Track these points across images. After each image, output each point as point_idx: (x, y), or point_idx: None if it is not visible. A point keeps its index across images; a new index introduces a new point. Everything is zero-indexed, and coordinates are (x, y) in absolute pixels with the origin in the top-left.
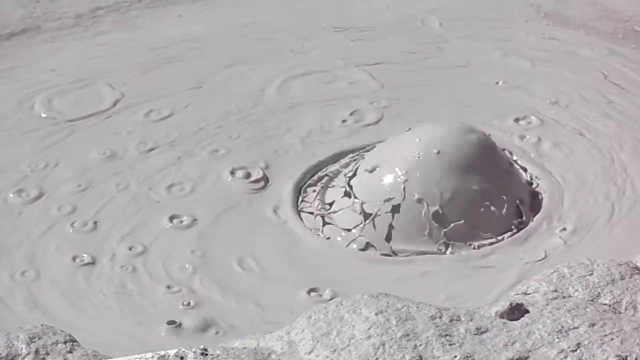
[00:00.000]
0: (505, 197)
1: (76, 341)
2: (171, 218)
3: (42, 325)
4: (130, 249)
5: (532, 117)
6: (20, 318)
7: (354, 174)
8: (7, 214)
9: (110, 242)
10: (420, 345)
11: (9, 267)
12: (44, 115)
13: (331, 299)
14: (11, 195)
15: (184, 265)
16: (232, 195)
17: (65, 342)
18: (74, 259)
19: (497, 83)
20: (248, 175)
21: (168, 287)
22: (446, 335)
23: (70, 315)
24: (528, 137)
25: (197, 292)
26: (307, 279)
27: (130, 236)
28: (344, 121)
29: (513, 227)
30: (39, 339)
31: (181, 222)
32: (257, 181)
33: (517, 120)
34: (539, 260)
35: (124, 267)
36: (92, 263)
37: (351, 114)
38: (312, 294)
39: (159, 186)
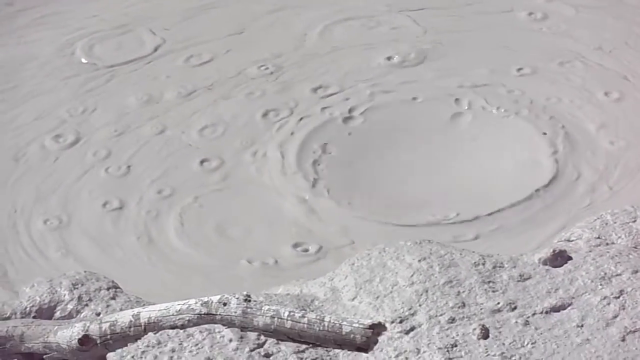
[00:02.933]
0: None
1: (119, 287)
2: (202, 161)
3: (85, 271)
4: (159, 192)
5: (576, 62)
6: (54, 264)
7: None
8: (43, 160)
9: (140, 186)
10: (464, 291)
11: (43, 213)
12: (84, 61)
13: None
14: (49, 140)
15: (204, 209)
16: (262, 136)
17: (108, 289)
18: (104, 204)
19: (540, 29)
20: (277, 116)
21: (189, 237)
22: (489, 282)
23: (102, 263)
24: (573, 80)
25: (220, 234)
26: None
27: (161, 180)
28: (387, 59)
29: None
30: (82, 285)
31: (210, 164)
32: (286, 122)
33: (561, 64)
34: (584, 207)
35: (150, 211)
36: (120, 208)
37: (391, 56)
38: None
39: (192, 129)
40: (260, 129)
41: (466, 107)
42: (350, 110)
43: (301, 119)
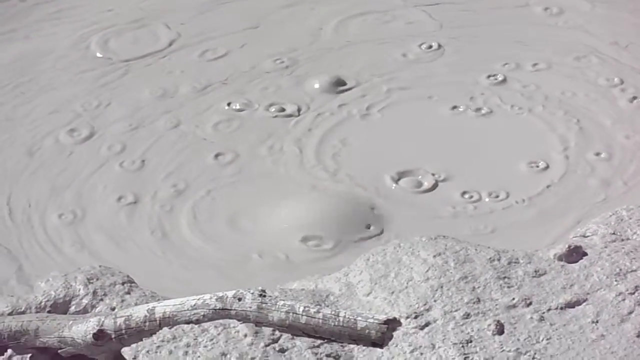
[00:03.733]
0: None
1: (134, 282)
2: (216, 155)
3: (100, 266)
4: (173, 186)
5: (592, 57)
6: (69, 259)
7: None
8: (58, 154)
9: (154, 180)
10: (479, 287)
11: (57, 207)
12: (99, 55)
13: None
14: (63, 134)
15: (221, 204)
16: (276, 131)
17: (123, 283)
18: (118, 199)
19: (556, 23)
20: (299, 110)
21: (202, 233)
22: (504, 277)
23: (117, 257)
24: (588, 74)
25: (234, 230)
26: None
27: (174, 175)
28: (403, 55)
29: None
30: (97, 279)
31: (224, 157)
32: (299, 116)
33: (577, 58)
34: (598, 202)
35: (163, 206)
36: (135, 202)
37: (407, 51)
38: None
39: (206, 124)
40: (276, 125)
41: (481, 105)
42: (367, 108)
43: (318, 115)
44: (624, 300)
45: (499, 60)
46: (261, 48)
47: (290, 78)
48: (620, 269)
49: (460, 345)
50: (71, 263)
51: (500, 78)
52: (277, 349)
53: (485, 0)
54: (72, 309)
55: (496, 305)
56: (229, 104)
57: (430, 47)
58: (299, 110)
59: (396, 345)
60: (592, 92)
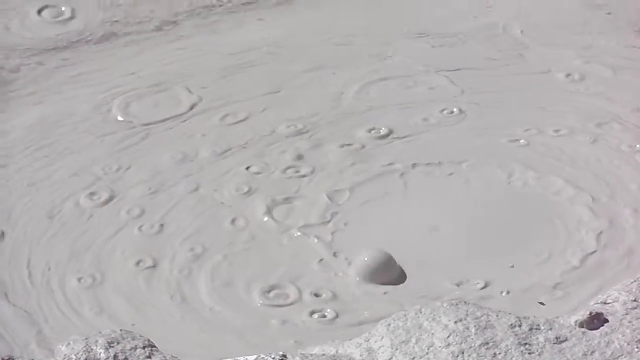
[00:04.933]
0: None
1: (155, 346)
2: (233, 220)
3: (120, 329)
4: (191, 250)
5: (614, 123)
6: (88, 322)
7: None
8: (78, 217)
9: (173, 244)
10: (500, 353)
11: (77, 271)
12: (120, 119)
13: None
14: (83, 198)
15: (239, 269)
16: (293, 194)
17: (144, 347)
18: (137, 263)
19: (578, 90)
20: (312, 171)
21: (220, 296)
22: (525, 344)
23: (136, 321)
24: (611, 141)
25: (251, 292)
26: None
27: (192, 238)
28: (424, 119)
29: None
30: (118, 343)
31: (239, 222)
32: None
33: (599, 125)
34: (621, 269)
35: (182, 270)
36: (153, 266)
37: (429, 116)
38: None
39: (224, 188)
40: (290, 185)
41: (504, 170)
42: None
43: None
44: None
45: (520, 126)
46: (282, 112)
47: (310, 141)
48: None
49: None
50: (90, 327)
51: (522, 143)
52: None
53: (506, 66)
54: None
55: None
56: (247, 168)
57: (452, 112)
58: (312, 171)
59: None
60: (616, 158)
